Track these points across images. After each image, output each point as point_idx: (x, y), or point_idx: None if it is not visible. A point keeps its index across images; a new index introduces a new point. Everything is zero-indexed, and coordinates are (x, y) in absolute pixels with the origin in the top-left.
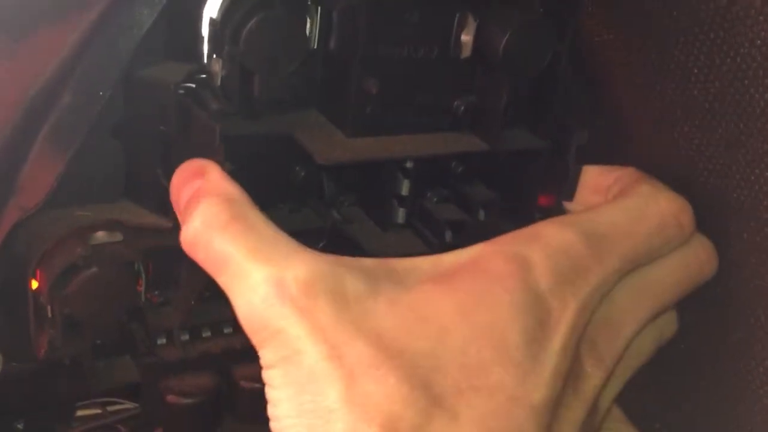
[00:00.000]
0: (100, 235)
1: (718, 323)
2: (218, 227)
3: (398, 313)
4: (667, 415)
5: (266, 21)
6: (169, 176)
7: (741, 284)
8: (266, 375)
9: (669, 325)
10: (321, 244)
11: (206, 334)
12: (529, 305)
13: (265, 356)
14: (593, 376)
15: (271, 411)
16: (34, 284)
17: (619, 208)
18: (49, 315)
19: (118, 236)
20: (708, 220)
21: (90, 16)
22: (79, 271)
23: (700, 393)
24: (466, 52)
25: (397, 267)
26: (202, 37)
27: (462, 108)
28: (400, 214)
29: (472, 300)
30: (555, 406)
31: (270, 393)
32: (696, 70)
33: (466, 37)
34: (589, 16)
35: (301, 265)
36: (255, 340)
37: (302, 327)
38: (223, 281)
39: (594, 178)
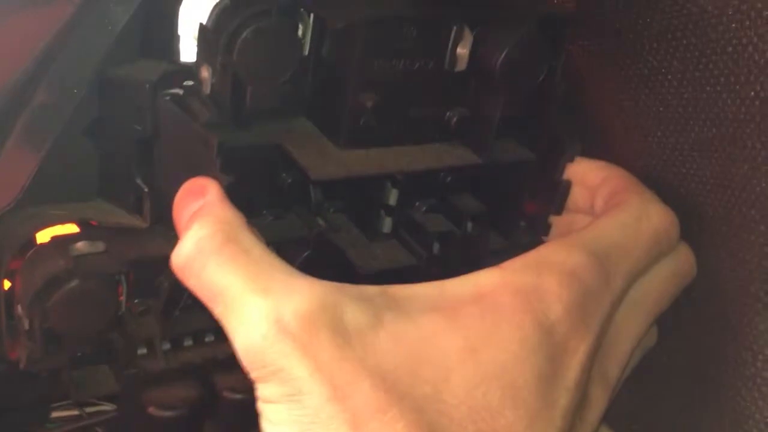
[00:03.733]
0: (81, 246)
1: (692, 327)
2: (211, 251)
3: (402, 351)
4: (645, 415)
5: (261, 31)
6: (143, 175)
7: (713, 288)
8: (265, 409)
9: (651, 335)
10: (306, 254)
11: (188, 343)
12: (540, 342)
13: (265, 392)
14: (600, 401)
15: None
16: (6, 284)
17: (615, 225)
18: (26, 327)
19: (100, 246)
20: (681, 224)
21: (64, 13)
22: (61, 285)
23: (677, 395)
24: (462, 66)
25: (399, 295)
26: (178, 36)
27: (454, 119)
28: (387, 224)
29: (479, 337)
30: None
31: (268, 428)
32: (669, 76)
33: (462, 51)
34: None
35: (299, 296)
36: (254, 375)
37: (305, 366)
38: (219, 312)
39: (584, 173)
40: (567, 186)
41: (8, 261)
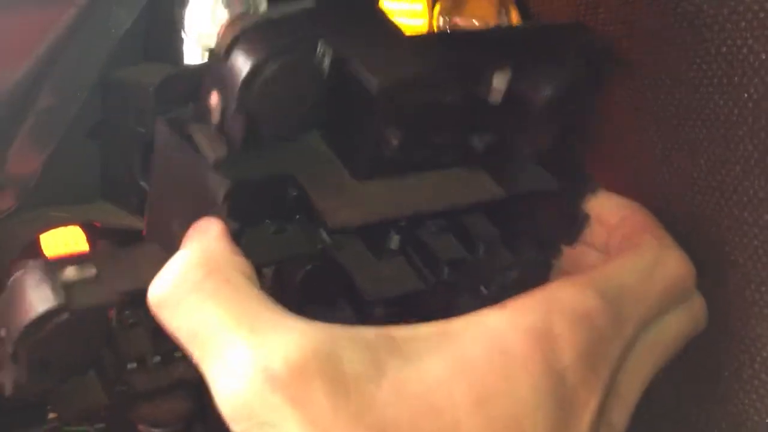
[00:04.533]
0: (71, 272)
1: None
2: (192, 285)
3: (405, 402)
4: (641, 417)
5: (283, 69)
6: (146, 178)
7: (707, 291)
8: None
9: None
10: (308, 267)
11: (179, 354)
12: (552, 389)
13: None
14: None
15: None
16: None
17: (629, 268)
18: (11, 352)
19: (91, 270)
20: (670, 226)
21: (67, 14)
22: (51, 318)
23: (673, 397)
24: (497, 98)
25: (401, 337)
26: (182, 39)
27: (480, 146)
28: (395, 241)
29: (489, 385)
30: None
31: None
32: (663, 75)
33: (499, 84)
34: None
35: (291, 341)
36: (237, 429)
37: (296, 421)
38: (197, 356)
39: (602, 208)
40: (585, 219)
41: (12, 263)
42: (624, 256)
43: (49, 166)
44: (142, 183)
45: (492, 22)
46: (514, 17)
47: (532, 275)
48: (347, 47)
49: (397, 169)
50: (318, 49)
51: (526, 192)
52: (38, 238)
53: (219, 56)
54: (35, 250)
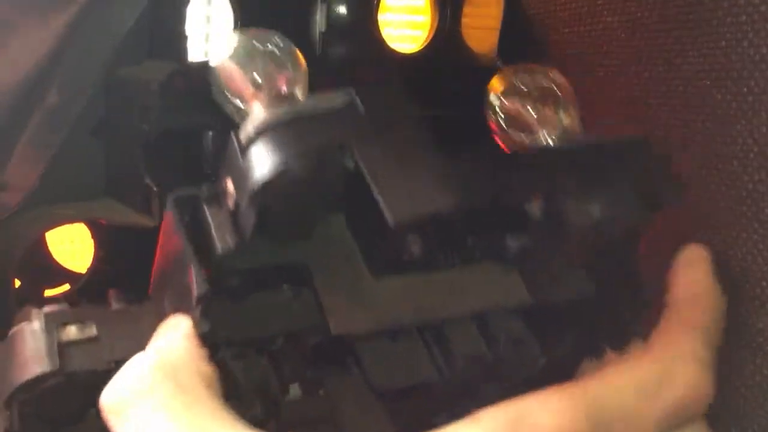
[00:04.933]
0: (72, 332)
1: None
2: (144, 392)
3: None
4: None
5: (300, 177)
6: (152, 175)
7: None
8: None
9: None
10: (319, 339)
11: None
12: None
13: None
14: None
15: None
16: (17, 283)
17: (631, 386)
18: (4, 400)
19: (92, 330)
20: (668, 221)
21: (69, 14)
22: (44, 381)
23: None
24: (535, 214)
25: None
26: (186, 36)
27: (513, 248)
28: None
29: None
30: None
31: None
32: (661, 68)
33: (537, 203)
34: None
35: None
36: None
37: None
38: None
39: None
40: (633, 333)
41: (19, 259)
42: (630, 365)
43: (53, 163)
44: (148, 180)
45: (547, 115)
46: (572, 115)
47: (561, 364)
48: (370, 160)
49: (420, 269)
50: (340, 158)
51: (557, 301)
52: (44, 236)
53: (241, 147)
54: (41, 248)
